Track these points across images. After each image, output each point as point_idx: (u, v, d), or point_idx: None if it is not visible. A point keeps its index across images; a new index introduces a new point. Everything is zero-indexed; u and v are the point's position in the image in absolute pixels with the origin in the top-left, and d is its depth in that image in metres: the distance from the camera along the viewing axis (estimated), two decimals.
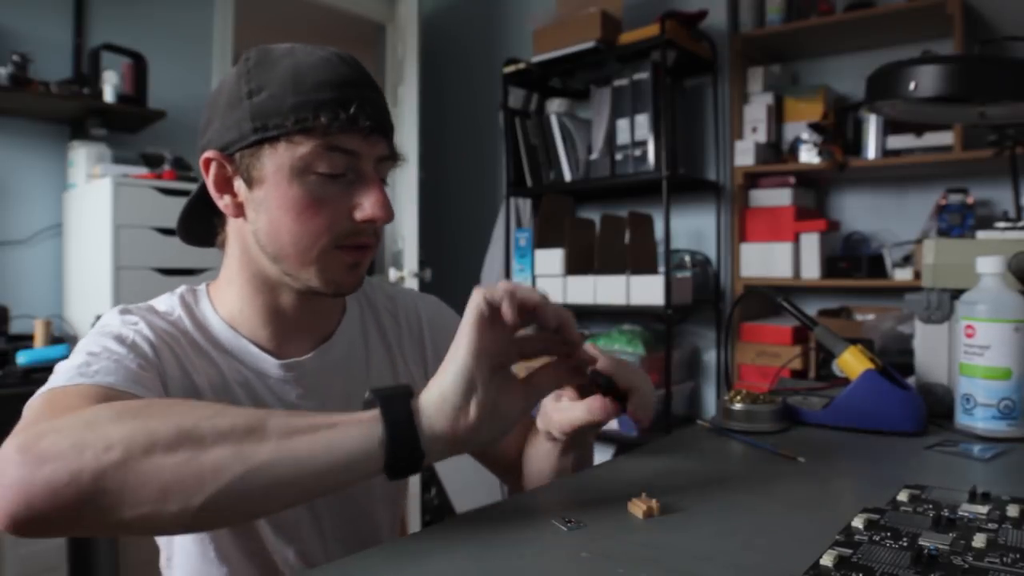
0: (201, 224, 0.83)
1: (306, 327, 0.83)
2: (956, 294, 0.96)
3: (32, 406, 0.62)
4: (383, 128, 0.74)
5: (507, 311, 0.60)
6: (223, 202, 0.75)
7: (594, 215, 2.87)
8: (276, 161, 0.71)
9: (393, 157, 0.77)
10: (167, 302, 0.80)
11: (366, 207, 0.73)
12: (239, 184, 0.74)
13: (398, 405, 0.56)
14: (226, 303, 0.81)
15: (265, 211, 0.73)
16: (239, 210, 0.75)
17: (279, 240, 0.73)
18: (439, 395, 0.58)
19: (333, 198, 0.72)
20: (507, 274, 2.87)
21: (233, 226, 0.79)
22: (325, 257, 0.74)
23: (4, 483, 0.49)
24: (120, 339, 0.71)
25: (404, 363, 0.91)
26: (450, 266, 3.47)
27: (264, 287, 0.79)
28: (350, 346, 0.86)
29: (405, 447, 0.55)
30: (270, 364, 0.80)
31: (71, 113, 2.46)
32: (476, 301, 0.60)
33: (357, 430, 0.55)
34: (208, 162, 0.74)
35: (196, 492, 0.49)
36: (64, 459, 0.48)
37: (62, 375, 0.65)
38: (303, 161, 0.70)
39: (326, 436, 0.54)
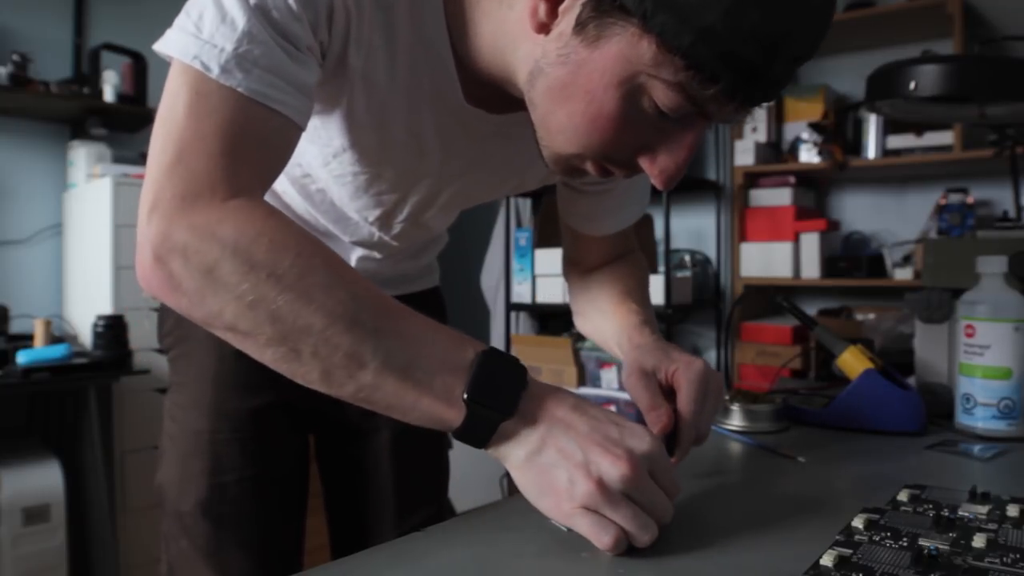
0: None
1: (499, 105, 0.69)
2: (956, 294, 0.96)
3: (177, 92, 0.55)
4: (766, 100, 0.56)
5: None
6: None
7: None
8: (618, 46, 0.52)
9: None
10: None
11: (659, 161, 0.58)
12: (571, 9, 0.53)
13: (483, 427, 0.53)
14: (463, 21, 0.63)
15: (564, 70, 0.55)
16: (542, 24, 0.55)
17: (550, 111, 0.58)
18: (518, 467, 0.54)
19: (637, 128, 0.56)
20: (507, 274, 2.86)
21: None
22: (573, 159, 0.60)
23: (139, 261, 0.54)
24: None
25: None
26: (449, 266, 3.46)
27: (502, 79, 0.63)
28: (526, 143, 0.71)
29: (473, 442, 0.54)
30: (459, 100, 0.67)
31: (71, 113, 2.46)
32: (608, 541, 0.50)
33: (436, 413, 0.53)
34: None
35: (281, 369, 0.54)
36: (179, 296, 0.53)
37: (215, 52, 0.54)
38: (642, 77, 0.52)
39: (408, 403, 0.53)
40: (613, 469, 0.50)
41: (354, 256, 0.87)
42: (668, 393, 0.70)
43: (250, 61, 0.54)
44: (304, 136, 0.69)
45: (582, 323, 0.96)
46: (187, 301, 0.54)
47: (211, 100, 0.54)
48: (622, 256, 0.97)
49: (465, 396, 0.52)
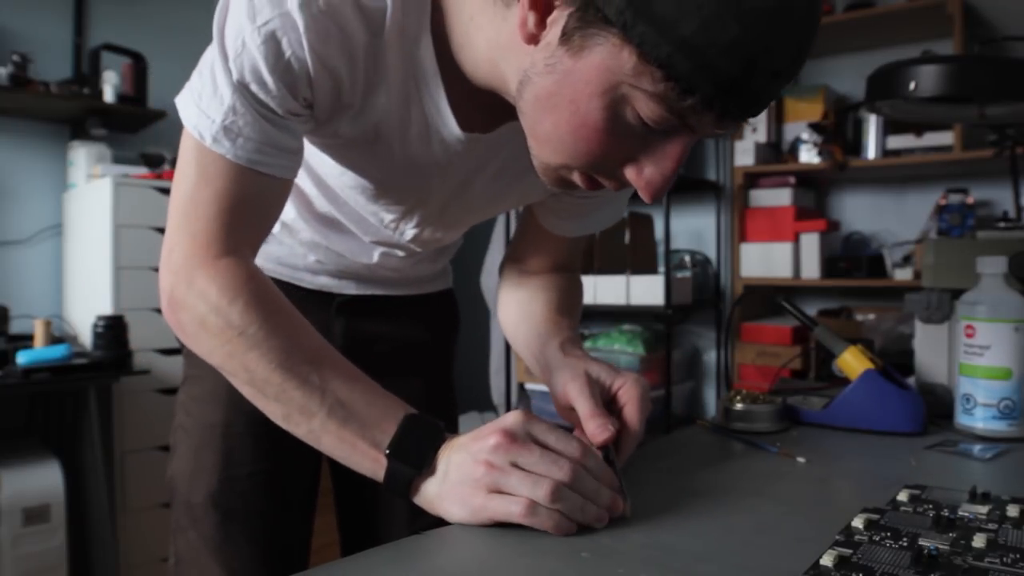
0: None
1: (493, 120, 0.72)
2: (956, 294, 0.96)
3: (186, 158, 0.66)
4: (748, 115, 0.56)
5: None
6: (523, 11, 0.55)
7: None
8: (600, 56, 0.52)
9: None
10: None
11: (645, 173, 0.58)
12: (558, 20, 0.54)
13: (400, 479, 0.62)
14: (456, 43, 0.65)
15: (550, 80, 0.56)
16: (531, 35, 0.56)
17: (537, 120, 0.59)
18: (436, 498, 0.61)
19: (622, 139, 0.57)
20: None
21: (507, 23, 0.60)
22: (560, 169, 0.62)
23: (161, 305, 0.69)
24: (274, 58, 0.60)
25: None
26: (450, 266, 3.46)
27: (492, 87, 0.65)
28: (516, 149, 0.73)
29: (395, 492, 0.63)
30: (452, 129, 0.70)
31: (71, 113, 2.46)
32: (529, 515, 0.56)
33: (369, 463, 0.63)
34: None
35: (256, 404, 0.67)
36: (185, 336, 0.69)
37: (208, 123, 0.62)
38: (624, 87, 0.53)
39: (346, 450, 0.63)
40: (486, 444, 0.59)
41: (376, 254, 0.90)
42: (607, 404, 0.73)
43: (235, 132, 0.63)
44: (319, 155, 0.77)
45: (507, 317, 0.96)
46: (190, 341, 0.68)
47: (208, 168, 0.64)
48: (566, 271, 0.98)
49: (387, 451, 0.61)
